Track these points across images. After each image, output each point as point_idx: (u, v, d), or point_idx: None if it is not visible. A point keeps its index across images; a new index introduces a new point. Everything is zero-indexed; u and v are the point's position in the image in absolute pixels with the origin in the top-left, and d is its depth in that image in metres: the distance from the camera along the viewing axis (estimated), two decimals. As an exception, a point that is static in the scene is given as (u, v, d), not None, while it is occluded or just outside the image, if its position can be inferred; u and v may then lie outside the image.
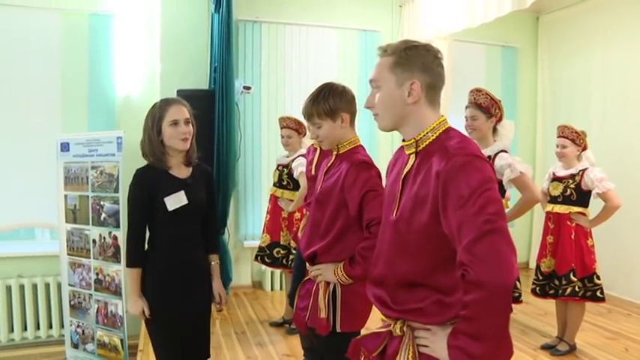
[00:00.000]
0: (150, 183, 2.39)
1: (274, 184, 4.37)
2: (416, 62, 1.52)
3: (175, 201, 2.37)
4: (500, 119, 3.32)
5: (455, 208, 1.37)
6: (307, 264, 2.32)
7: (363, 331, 2.42)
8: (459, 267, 1.35)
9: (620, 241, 5.09)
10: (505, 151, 3.22)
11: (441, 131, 1.53)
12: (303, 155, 3.97)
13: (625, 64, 5.20)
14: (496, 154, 3.21)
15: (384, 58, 1.57)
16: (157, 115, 2.41)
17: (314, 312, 2.21)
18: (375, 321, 3.97)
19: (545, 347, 3.89)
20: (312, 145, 3.30)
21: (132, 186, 2.44)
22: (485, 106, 3.23)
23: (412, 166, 1.54)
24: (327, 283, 2.18)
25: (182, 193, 2.39)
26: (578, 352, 3.82)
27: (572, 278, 3.66)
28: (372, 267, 1.65)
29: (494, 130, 3.33)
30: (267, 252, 4.25)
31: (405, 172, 1.56)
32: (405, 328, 1.51)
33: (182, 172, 2.47)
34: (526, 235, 6.34)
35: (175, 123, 2.38)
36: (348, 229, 2.15)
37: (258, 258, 4.35)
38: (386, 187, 1.72)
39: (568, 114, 5.79)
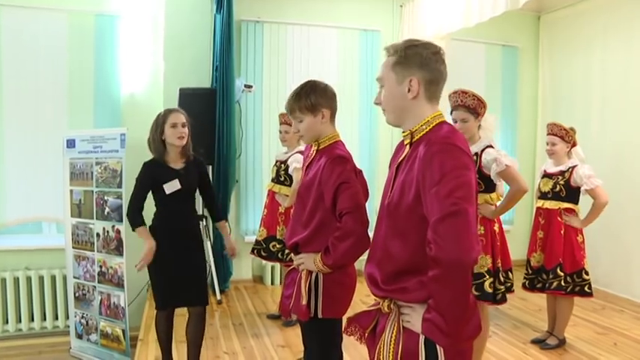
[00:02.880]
0: (153, 171, 3.15)
1: (272, 180, 4.46)
2: (414, 60, 1.61)
3: (171, 186, 3.13)
4: (483, 115, 3.35)
5: (428, 190, 1.48)
6: (292, 254, 2.43)
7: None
8: (427, 244, 1.46)
9: (617, 239, 5.14)
10: (491, 146, 3.27)
11: (434, 124, 1.62)
12: (300, 152, 4.06)
13: (625, 64, 5.23)
14: (482, 150, 3.27)
15: (388, 58, 1.67)
16: (160, 120, 3.17)
17: (297, 299, 2.31)
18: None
19: (535, 341, 3.96)
20: None
21: (140, 172, 3.19)
22: (473, 107, 3.27)
23: (406, 155, 1.65)
24: (309, 272, 2.28)
25: (177, 180, 3.13)
26: (567, 347, 3.88)
27: (558, 272, 3.72)
28: (372, 249, 1.75)
29: (479, 126, 3.37)
30: (264, 245, 4.33)
31: (399, 161, 1.68)
32: (392, 306, 1.63)
33: (178, 164, 3.20)
34: (528, 232, 6.35)
35: (174, 125, 3.13)
36: (327, 221, 2.25)
37: (255, 251, 4.43)
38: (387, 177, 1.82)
39: (568, 113, 5.83)
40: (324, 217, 2.25)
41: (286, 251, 4.13)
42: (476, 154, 3.26)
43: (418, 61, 1.61)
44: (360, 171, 2.43)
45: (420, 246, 1.52)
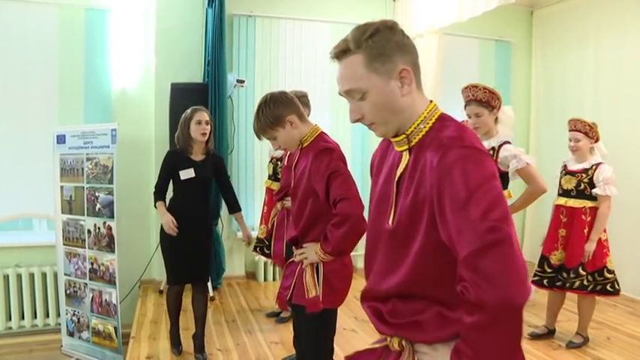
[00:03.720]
0: (174, 159, 3.55)
1: (269, 177, 4.42)
2: (390, 46, 1.27)
3: (186, 174, 3.50)
4: (499, 108, 3.32)
5: (452, 212, 1.16)
6: (293, 247, 2.46)
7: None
8: (459, 282, 1.16)
9: (609, 233, 5.14)
10: (509, 142, 3.25)
11: (433, 120, 1.30)
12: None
13: (617, 60, 5.23)
14: (500, 146, 3.25)
15: (349, 59, 1.31)
16: (188, 116, 3.51)
17: (299, 291, 2.34)
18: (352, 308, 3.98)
19: (534, 335, 3.94)
20: None
21: (164, 158, 3.60)
22: (486, 101, 3.23)
23: (407, 165, 1.31)
24: (312, 265, 2.31)
25: (192, 169, 3.51)
26: (561, 341, 3.88)
27: (580, 272, 3.66)
28: (367, 279, 1.46)
29: (495, 119, 3.33)
30: (266, 243, 4.27)
31: (399, 173, 1.33)
32: (404, 343, 1.34)
33: (198, 157, 3.57)
34: (521, 229, 6.38)
35: (199, 122, 3.48)
36: (320, 213, 2.27)
37: (257, 249, 4.40)
38: (374, 186, 1.48)
39: (561, 108, 5.83)
40: (317, 209, 2.28)
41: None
42: (492, 148, 3.24)
43: (394, 44, 1.27)
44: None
45: (438, 276, 1.26)
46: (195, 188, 3.56)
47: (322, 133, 2.41)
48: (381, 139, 1.50)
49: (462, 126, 1.29)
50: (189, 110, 3.54)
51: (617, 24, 5.24)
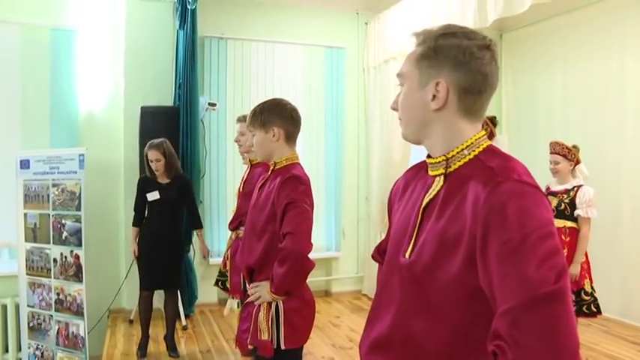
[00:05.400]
0: (143, 184, 4.10)
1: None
2: (447, 55, 1.13)
3: (152, 196, 4.02)
4: (491, 134, 3.26)
5: (500, 256, 0.98)
6: (246, 283, 2.30)
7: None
8: (492, 338, 0.97)
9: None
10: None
11: (480, 149, 1.15)
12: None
13: (584, 80, 5.35)
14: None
15: (415, 48, 1.20)
16: (145, 153, 4.02)
17: (255, 333, 2.20)
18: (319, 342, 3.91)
19: None
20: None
21: (137, 185, 4.15)
22: None
23: (438, 192, 1.15)
24: (269, 304, 2.18)
25: (157, 192, 4.02)
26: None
27: None
28: (372, 323, 1.25)
29: None
30: (227, 277, 3.79)
31: (427, 200, 1.16)
32: None
33: (163, 180, 4.05)
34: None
35: (151, 161, 3.97)
36: (277, 243, 2.14)
37: (219, 283, 4.00)
38: (393, 217, 1.33)
39: (532, 128, 5.92)
40: (274, 240, 2.15)
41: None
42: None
43: (453, 57, 1.12)
44: None
45: (467, 330, 1.07)
46: (163, 208, 4.05)
47: (299, 164, 2.32)
48: (407, 168, 1.37)
49: (514, 159, 1.13)
50: (146, 147, 4.03)
51: (581, 48, 5.38)
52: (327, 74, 5.77)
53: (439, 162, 1.17)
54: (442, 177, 1.16)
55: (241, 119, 3.61)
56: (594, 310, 3.77)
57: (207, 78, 5.29)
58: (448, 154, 1.16)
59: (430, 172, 1.20)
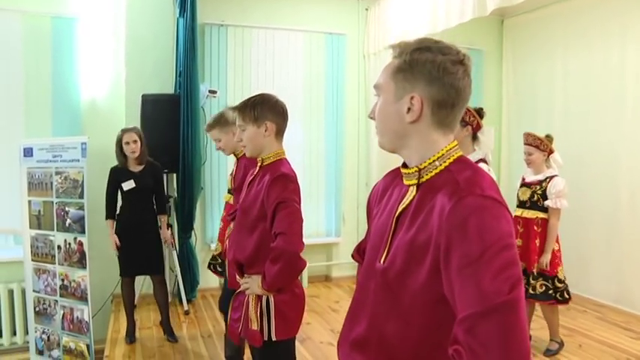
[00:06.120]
0: (116, 174, 4.07)
1: (228, 191, 4.27)
2: (422, 70, 1.17)
3: (128, 185, 4.03)
4: (478, 126, 3.24)
5: (460, 267, 1.04)
6: (237, 275, 2.34)
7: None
8: (452, 343, 1.03)
9: (576, 241, 5.25)
10: (484, 160, 3.21)
11: (451, 160, 1.20)
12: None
13: (585, 68, 5.35)
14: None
15: (392, 60, 1.24)
16: (119, 137, 4.03)
17: (246, 323, 2.25)
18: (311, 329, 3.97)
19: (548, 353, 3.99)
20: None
21: (108, 176, 4.08)
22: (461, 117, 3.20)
23: (411, 201, 1.20)
24: (258, 296, 2.23)
25: (132, 180, 4.03)
26: (534, 349, 3.94)
27: (530, 281, 3.80)
28: (350, 323, 1.32)
29: (475, 137, 3.27)
30: (219, 260, 3.97)
31: (400, 209, 1.22)
32: None
33: (136, 168, 4.08)
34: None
35: (127, 143, 3.99)
36: (267, 241, 2.18)
37: (211, 266, 4.09)
38: (371, 222, 1.38)
39: (532, 115, 5.94)
40: (265, 237, 2.19)
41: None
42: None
43: (427, 71, 1.17)
44: None
45: (429, 335, 1.14)
46: (139, 196, 4.08)
47: (285, 159, 2.34)
48: (385, 173, 1.43)
49: (481, 171, 1.18)
50: (120, 131, 4.05)
51: (582, 35, 5.37)
52: (327, 61, 5.78)
53: (412, 172, 1.22)
54: (415, 187, 1.21)
55: (212, 125, 3.60)
56: (567, 297, 3.86)
57: (207, 65, 5.31)
58: (421, 165, 1.21)
59: (405, 182, 1.26)
